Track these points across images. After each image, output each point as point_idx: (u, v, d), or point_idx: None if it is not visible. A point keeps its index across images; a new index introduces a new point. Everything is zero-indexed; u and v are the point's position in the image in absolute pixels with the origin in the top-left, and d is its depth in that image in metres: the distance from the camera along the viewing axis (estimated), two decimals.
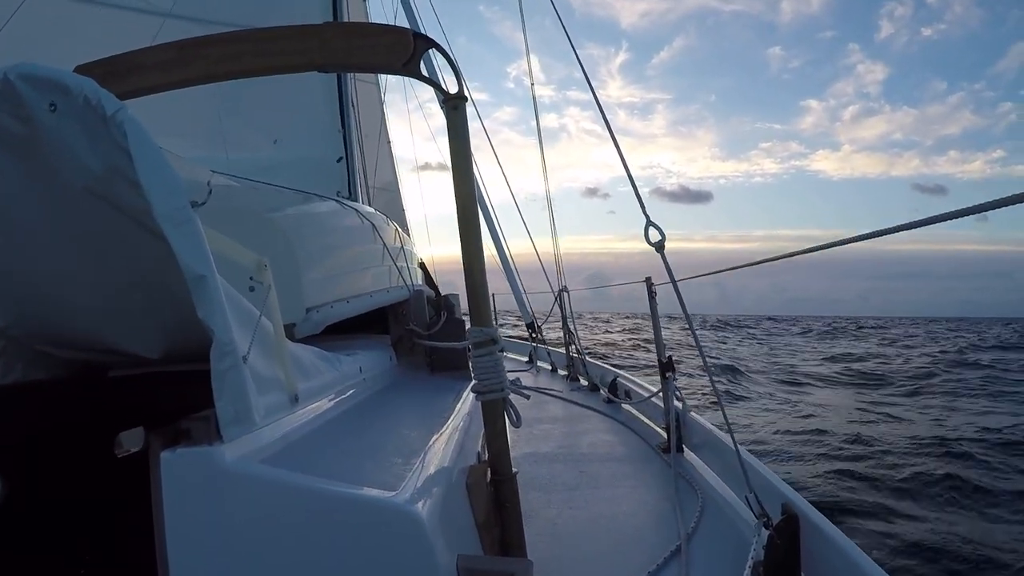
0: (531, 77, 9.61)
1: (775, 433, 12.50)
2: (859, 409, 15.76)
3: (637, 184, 3.04)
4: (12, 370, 2.01)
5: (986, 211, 1.43)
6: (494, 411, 2.06)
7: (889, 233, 1.77)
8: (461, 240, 2.04)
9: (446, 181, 2.10)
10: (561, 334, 8.08)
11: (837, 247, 2.17)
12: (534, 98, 9.28)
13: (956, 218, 1.47)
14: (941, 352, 34.44)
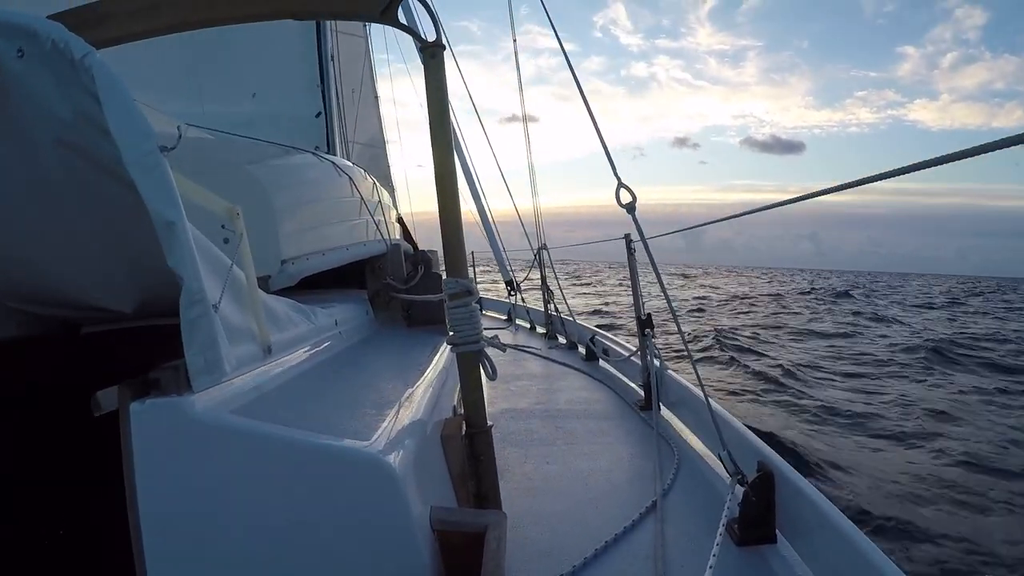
0: (513, 33, 9.47)
1: None
2: None
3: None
4: None
5: None
6: (469, 364, 2.06)
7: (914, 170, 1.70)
8: (437, 190, 2.03)
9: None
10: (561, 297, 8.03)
11: (835, 194, 2.15)
12: (516, 60, 9.15)
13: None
14: None
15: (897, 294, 57.61)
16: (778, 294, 46.78)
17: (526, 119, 9.17)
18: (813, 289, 56.21)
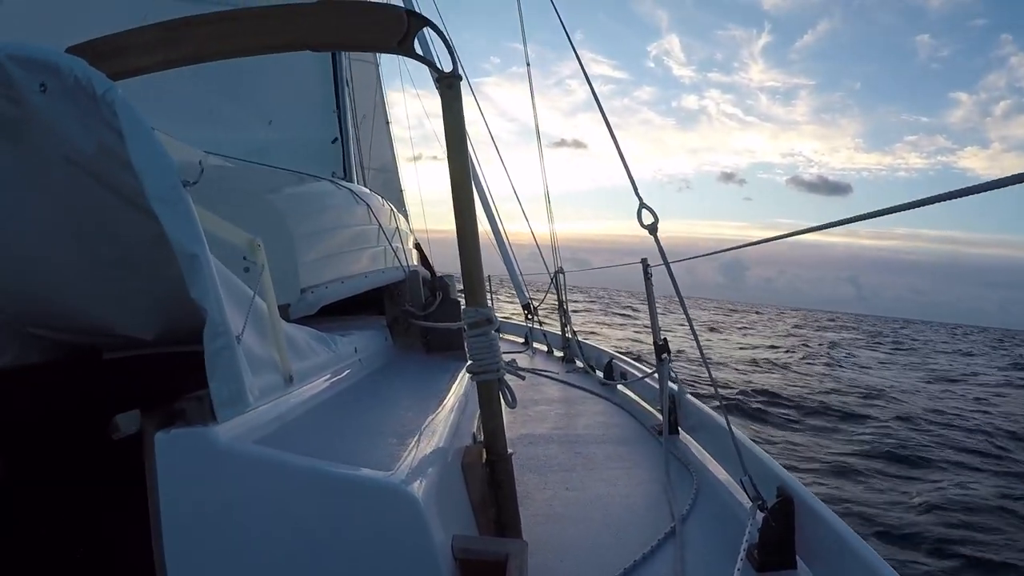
0: (527, 56, 9.51)
1: None
2: None
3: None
4: (5, 353, 2.01)
5: None
6: (489, 392, 2.06)
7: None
8: (456, 220, 2.03)
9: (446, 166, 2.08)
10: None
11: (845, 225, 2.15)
12: (530, 78, 9.19)
13: None
14: None
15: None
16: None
17: (539, 135, 9.18)
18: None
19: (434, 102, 2.03)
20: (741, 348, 31.12)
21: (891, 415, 14.82)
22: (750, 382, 18.29)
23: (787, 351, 30.74)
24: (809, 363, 25.75)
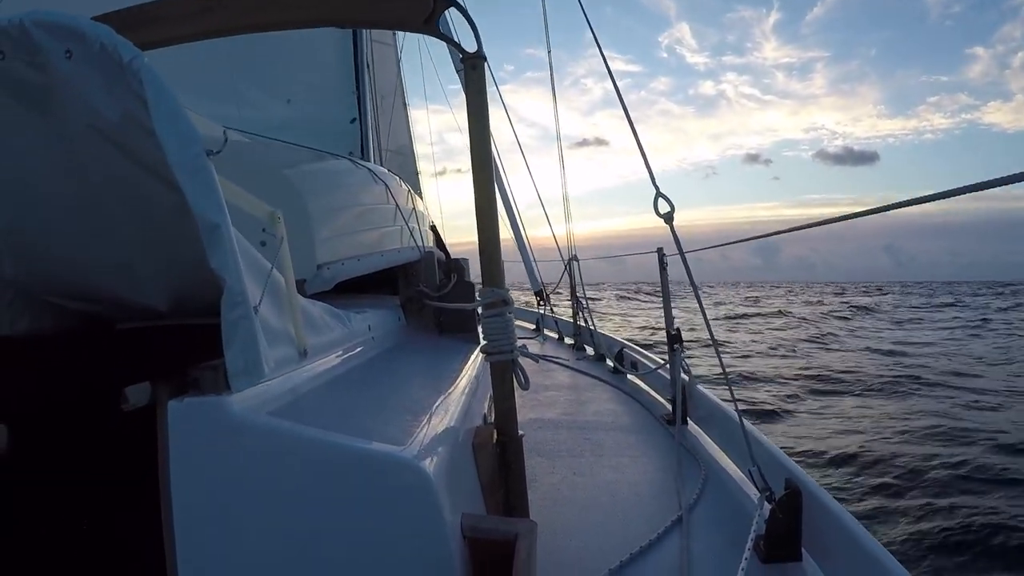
0: (548, 43, 9.50)
1: None
2: None
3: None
4: (20, 321, 2.02)
5: None
6: (503, 373, 2.07)
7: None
8: (476, 202, 2.04)
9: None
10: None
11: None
12: (551, 66, 9.18)
13: None
14: None
15: None
16: None
17: (558, 125, 9.18)
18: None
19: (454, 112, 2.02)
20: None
21: None
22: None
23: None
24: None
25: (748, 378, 16.15)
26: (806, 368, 17.65)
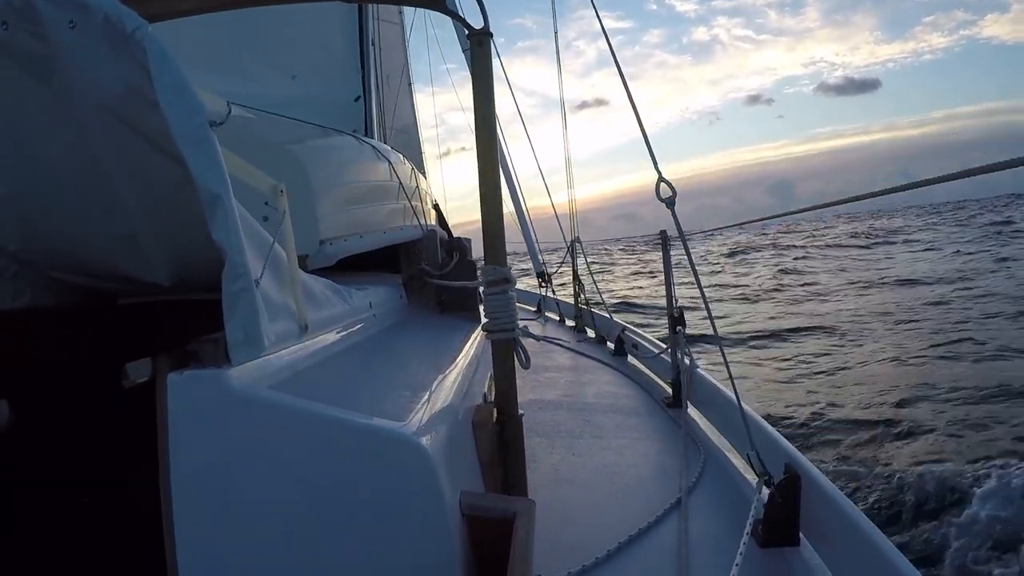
0: (553, 7, 9.40)
1: None
2: None
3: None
4: (21, 295, 2.02)
5: None
6: (504, 351, 2.07)
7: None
8: (479, 179, 2.03)
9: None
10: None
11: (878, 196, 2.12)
12: (555, 32, 9.11)
13: None
14: None
15: None
16: None
17: (563, 105, 9.13)
18: None
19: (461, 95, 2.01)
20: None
21: None
22: None
23: None
24: None
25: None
26: None
